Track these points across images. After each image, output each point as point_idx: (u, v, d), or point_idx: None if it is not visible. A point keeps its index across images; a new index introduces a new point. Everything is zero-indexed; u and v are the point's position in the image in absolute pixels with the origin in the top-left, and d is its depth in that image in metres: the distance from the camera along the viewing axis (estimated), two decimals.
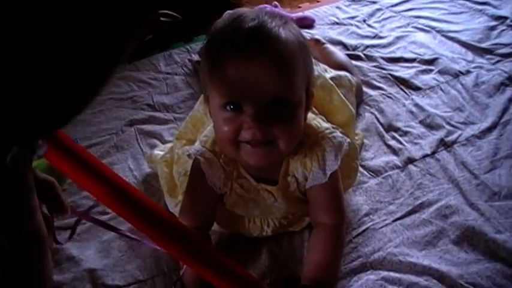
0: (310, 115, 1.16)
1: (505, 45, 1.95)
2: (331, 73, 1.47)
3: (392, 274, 1.13)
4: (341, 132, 1.18)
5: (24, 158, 0.60)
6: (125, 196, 0.81)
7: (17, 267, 0.62)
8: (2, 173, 0.54)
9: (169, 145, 1.44)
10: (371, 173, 1.41)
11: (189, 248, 0.88)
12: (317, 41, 1.92)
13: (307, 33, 2.13)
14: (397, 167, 1.42)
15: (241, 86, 0.95)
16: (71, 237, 1.01)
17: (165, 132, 1.65)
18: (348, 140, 1.14)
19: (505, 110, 1.61)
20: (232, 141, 1.00)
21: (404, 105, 1.67)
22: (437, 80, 1.79)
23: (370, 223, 1.26)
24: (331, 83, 1.37)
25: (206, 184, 1.11)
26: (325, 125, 1.16)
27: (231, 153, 1.07)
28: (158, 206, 0.97)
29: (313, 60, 1.59)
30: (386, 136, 1.54)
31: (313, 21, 2.26)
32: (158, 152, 1.45)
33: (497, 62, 1.86)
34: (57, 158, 0.78)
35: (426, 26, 2.15)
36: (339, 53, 1.85)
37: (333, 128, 1.17)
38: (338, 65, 1.67)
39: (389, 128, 1.58)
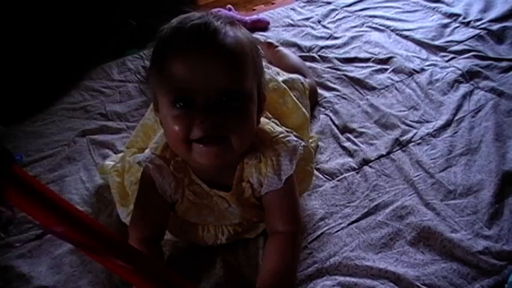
0: (263, 119, 1.14)
1: (458, 42, 1.97)
2: (283, 76, 1.46)
3: (348, 279, 1.11)
4: (295, 136, 1.16)
5: None
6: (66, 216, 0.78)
7: None
8: None
9: (120, 155, 1.41)
10: (326, 176, 1.39)
11: (135, 268, 0.86)
12: (270, 44, 1.91)
13: (261, 36, 2.13)
14: (353, 169, 1.41)
15: (189, 80, 0.93)
16: None
17: (117, 141, 1.61)
18: (303, 143, 1.13)
19: (459, 107, 1.62)
20: (184, 141, 0.97)
21: (359, 106, 1.67)
22: (392, 79, 1.79)
23: (326, 227, 1.24)
24: (284, 86, 1.35)
25: (156, 193, 1.09)
26: (279, 129, 1.14)
27: (183, 155, 1.05)
28: (100, 224, 0.94)
29: (265, 63, 1.59)
30: (342, 138, 1.53)
31: (268, 23, 2.25)
32: (110, 162, 1.41)
33: (451, 59, 1.88)
34: None
35: (381, 25, 2.16)
36: (292, 56, 1.85)
37: (287, 131, 1.15)
38: (291, 68, 1.66)
39: (345, 129, 1.57)
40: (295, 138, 1.12)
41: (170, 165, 1.09)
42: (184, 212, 1.15)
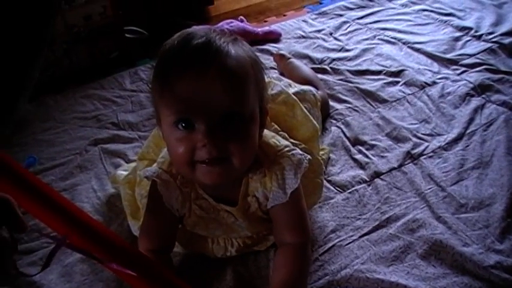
0: (269, 133, 1.14)
1: (470, 55, 1.97)
2: (295, 88, 1.46)
3: None
4: (302, 149, 1.16)
5: None
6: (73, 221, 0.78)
7: None
8: None
9: (132, 165, 1.41)
10: (337, 188, 1.39)
11: (145, 276, 0.86)
12: (282, 56, 1.91)
13: (273, 47, 2.14)
14: (364, 182, 1.41)
15: (191, 101, 0.92)
16: (45, 268, 0.93)
17: (129, 151, 1.62)
18: (309, 156, 1.12)
19: (470, 121, 1.62)
20: (188, 162, 0.97)
21: (370, 118, 1.67)
22: (403, 92, 1.79)
23: (337, 240, 1.24)
24: (294, 98, 1.35)
25: (164, 206, 1.09)
26: (285, 142, 1.14)
27: (187, 175, 1.05)
28: (112, 232, 0.94)
29: (277, 75, 1.59)
30: (353, 150, 1.53)
31: (279, 35, 2.25)
32: (121, 172, 1.42)
33: (463, 72, 1.88)
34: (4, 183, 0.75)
35: (392, 38, 2.16)
36: (304, 67, 1.85)
37: (293, 145, 1.15)
38: (303, 80, 1.66)
39: (356, 141, 1.57)
40: (301, 152, 1.11)
41: (177, 180, 1.10)
42: (192, 225, 1.16)
